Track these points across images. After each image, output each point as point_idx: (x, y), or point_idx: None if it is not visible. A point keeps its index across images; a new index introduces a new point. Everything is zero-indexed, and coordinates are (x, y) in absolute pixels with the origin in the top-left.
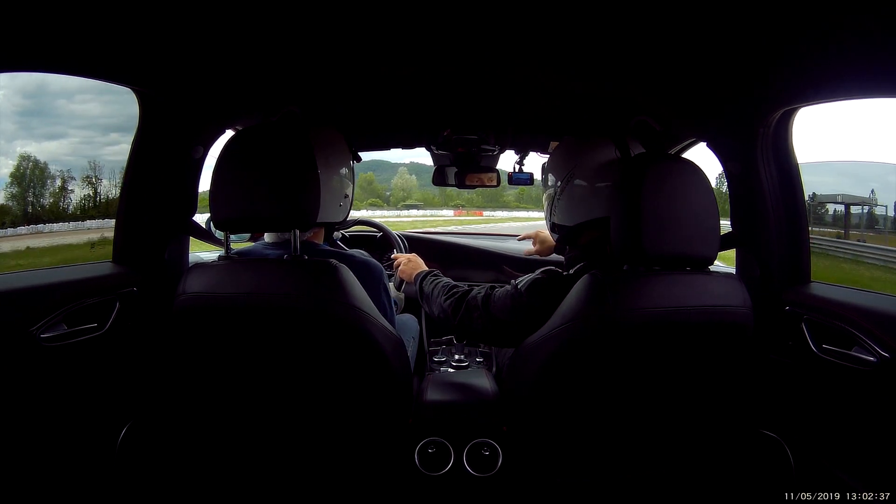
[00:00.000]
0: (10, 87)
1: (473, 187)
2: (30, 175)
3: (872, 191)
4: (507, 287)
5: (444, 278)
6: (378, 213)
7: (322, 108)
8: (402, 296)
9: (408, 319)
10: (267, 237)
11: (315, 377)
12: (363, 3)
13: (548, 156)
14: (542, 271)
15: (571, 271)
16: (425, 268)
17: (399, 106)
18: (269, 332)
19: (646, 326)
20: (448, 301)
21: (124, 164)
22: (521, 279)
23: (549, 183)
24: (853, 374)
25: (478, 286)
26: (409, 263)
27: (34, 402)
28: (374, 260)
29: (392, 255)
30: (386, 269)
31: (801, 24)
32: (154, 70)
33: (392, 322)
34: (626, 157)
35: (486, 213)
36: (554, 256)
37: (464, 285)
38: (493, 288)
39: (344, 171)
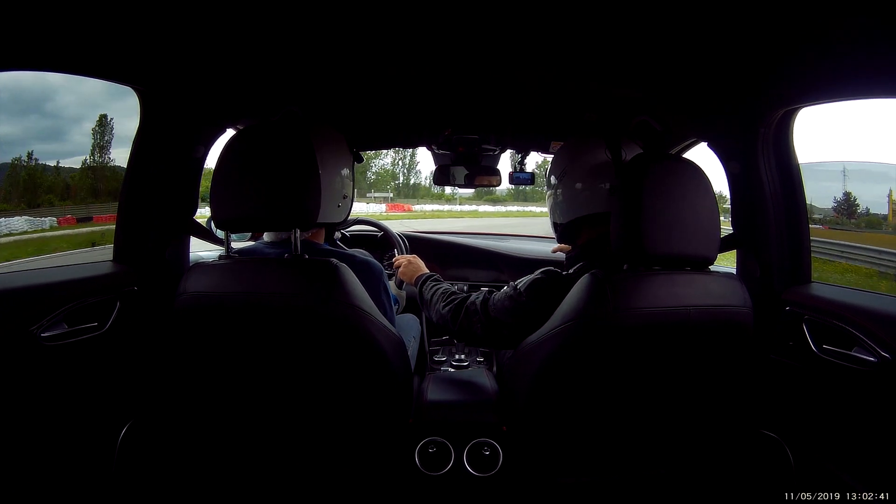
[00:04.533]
0: None
1: (475, 187)
2: None
3: None
4: (507, 289)
5: (444, 284)
6: None
7: (323, 107)
8: (403, 294)
9: (409, 319)
10: (266, 236)
11: (315, 376)
12: (364, 4)
13: (550, 155)
14: (541, 272)
15: (571, 271)
16: (425, 270)
17: (400, 106)
18: (269, 331)
19: (646, 326)
20: (447, 308)
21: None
22: (520, 280)
23: (550, 184)
24: (853, 375)
25: (477, 290)
26: (410, 266)
27: (35, 401)
28: (374, 259)
29: (393, 259)
30: (386, 269)
31: (802, 25)
32: (155, 69)
33: (392, 322)
34: (618, 159)
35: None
36: (557, 255)
37: (462, 291)
38: (491, 292)
39: (345, 171)
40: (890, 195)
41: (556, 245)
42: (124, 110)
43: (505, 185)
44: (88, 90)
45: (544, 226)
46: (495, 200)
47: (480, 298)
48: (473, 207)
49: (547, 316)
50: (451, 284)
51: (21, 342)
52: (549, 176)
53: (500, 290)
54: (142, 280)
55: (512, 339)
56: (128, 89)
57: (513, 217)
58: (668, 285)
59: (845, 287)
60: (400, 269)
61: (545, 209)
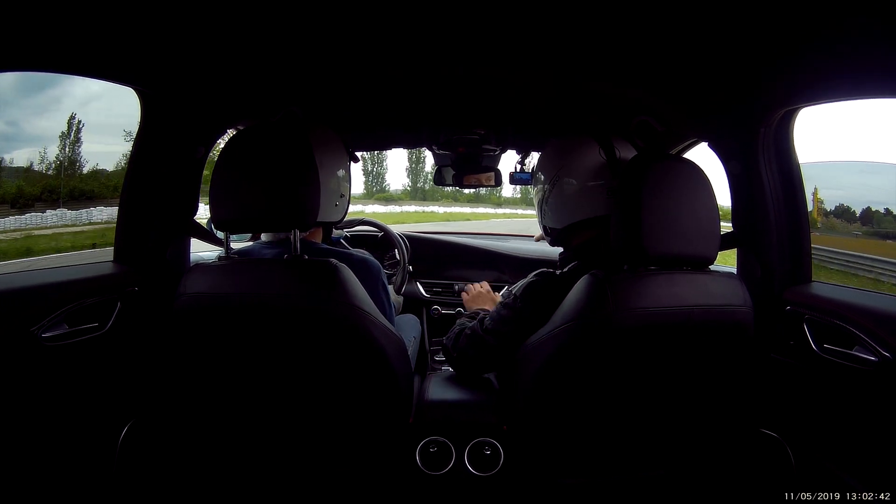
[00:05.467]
0: None
1: (473, 187)
2: None
3: None
4: (502, 295)
5: (474, 322)
6: None
7: (323, 108)
8: (400, 299)
9: (409, 319)
10: (264, 236)
11: (315, 376)
12: (364, 4)
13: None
14: (535, 274)
15: (565, 270)
16: (488, 308)
17: (400, 106)
18: (269, 331)
19: (646, 326)
20: (448, 339)
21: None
22: (516, 285)
23: (538, 186)
24: (854, 374)
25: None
26: (478, 297)
27: (35, 402)
28: (372, 258)
29: (394, 259)
30: (386, 269)
31: (803, 24)
32: (156, 70)
33: (391, 320)
34: (613, 159)
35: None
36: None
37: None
38: (486, 315)
39: (341, 172)
40: (815, 193)
41: (538, 234)
42: (34, 107)
43: (505, 185)
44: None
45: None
46: (388, 199)
47: (477, 321)
48: (360, 207)
49: (544, 317)
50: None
51: (22, 343)
52: (538, 173)
53: (493, 310)
54: (142, 280)
55: (509, 351)
56: (41, 84)
57: (411, 222)
58: (668, 285)
59: (846, 286)
60: (466, 296)
61: (448, 209)
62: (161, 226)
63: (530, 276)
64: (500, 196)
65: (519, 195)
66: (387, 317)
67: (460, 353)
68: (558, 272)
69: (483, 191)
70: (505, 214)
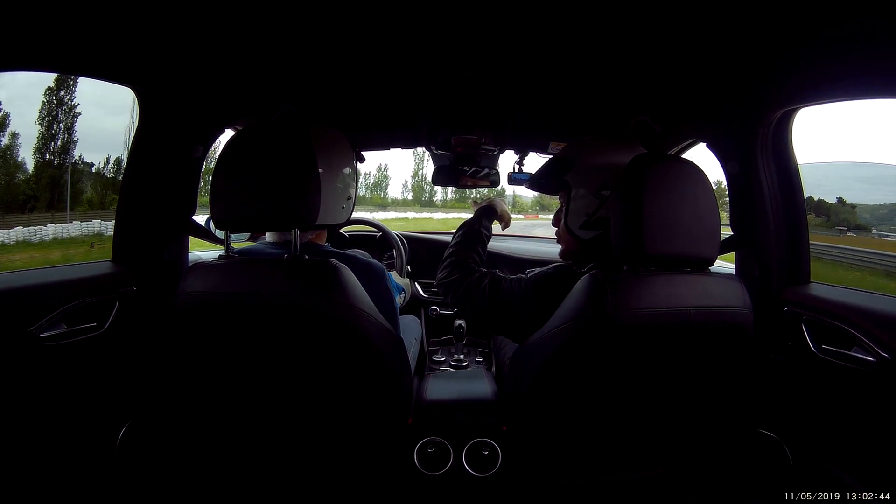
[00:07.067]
0: None
1: (472, 187)
2: None
3: None
4: (520, 275)
5: (469, 249)
6: None
7: (321, 108)
8: (406, 281)
9: (410, 321)
10: (268, 237)
11: (314, 376)
12: (363, 4)
13: (548, 156)
14: (552, 267)
15: (583, 269)
16: (500, 209)
17: (399, 106)
18: (268, 331)
19: (646, 327)
20: (443, 272)
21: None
22: (532, 270)
23: (587, 183)
24: (852, 375)
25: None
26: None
27: (34, 402)
28: (375, 261)
29: (392, 258)
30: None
31: (801, 25)
32: (154, 70)
33: (394, 323)
34: None
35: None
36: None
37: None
38: (499, 276)
39: (347, 171)
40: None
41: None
42: None
43: (504, 185)
44: None
45: None
46: None
47: (488, 280)
48: None
49: (547, 311)
50: (475, 259)
51: (20, 342)
52: (584, 175)
53: (507, 277)
54: (141, 280)
55: (508, 325)
56: None
57: None
58: (668, 286)
59: (844, 287)
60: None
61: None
62: (159, 225)
63: (547, 267)
64: (385, 197)
65: (411, 196)
66: (391, 321)
67: (460, 302)
68: (575, 268)
69: (384, 192)
70: (395, 220)
